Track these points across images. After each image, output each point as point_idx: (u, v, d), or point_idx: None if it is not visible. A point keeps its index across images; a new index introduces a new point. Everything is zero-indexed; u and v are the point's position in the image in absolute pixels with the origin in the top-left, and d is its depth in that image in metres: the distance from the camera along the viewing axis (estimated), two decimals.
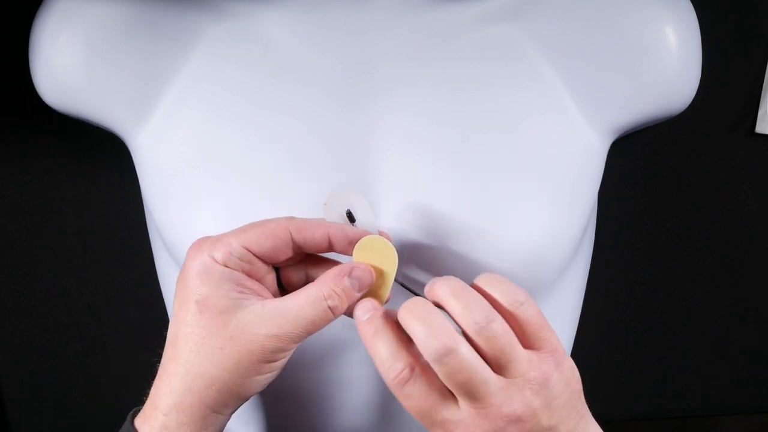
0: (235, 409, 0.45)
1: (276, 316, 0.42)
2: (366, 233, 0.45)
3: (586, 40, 0.51)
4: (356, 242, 0.45)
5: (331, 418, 0.56)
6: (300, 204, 0.50)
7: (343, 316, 0.45)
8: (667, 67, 0.52)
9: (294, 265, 0.47)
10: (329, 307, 0.43)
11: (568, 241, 0.52)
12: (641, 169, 0.79)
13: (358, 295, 0.44)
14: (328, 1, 0.52)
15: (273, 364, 0.43)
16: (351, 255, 0.45)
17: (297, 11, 0.53)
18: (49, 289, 0.81)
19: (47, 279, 0.81)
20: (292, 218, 0.45)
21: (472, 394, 0.39)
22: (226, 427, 0.45)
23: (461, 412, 0.40)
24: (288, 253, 0.44)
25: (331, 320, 0.43)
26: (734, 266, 0.83)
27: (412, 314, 0.41)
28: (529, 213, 0.50)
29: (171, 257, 0.55)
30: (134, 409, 0.45)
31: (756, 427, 0.90)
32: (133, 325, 0.83)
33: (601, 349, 0.86)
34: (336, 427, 0.57)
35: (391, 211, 0.50)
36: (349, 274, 0.44)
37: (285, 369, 0.45)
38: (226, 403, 0.43)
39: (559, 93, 0.52)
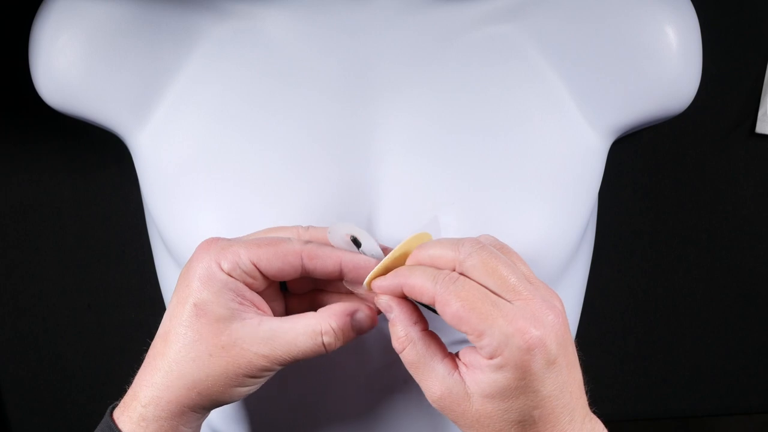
0: (212, 410, 0.45)
1: (269, 338, 0.42)
2: (376, 262, 0.44)
3: (586, 40, 0.51)
4: (365, 273, 0.44)
5: (320, 419, 0.56)
6: (300, 205, 0.50)
7: None
8: (668, 68, 0.52)
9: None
10: (323, 344, 0.43)
11: (569, 241, 0.52)
12: (641, 169, 0.79)
13: (354, 336, 0.44)
14: (329, 1, 0.52)
15: (257, 379, 0.44)
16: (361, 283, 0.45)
17: (298, 12, 0.53)
18: (49, 289, 0.81)
19: (47, 279, 0.81)
20: (307, 243, 0.44)
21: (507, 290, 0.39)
22: (213, 427, 0.45)
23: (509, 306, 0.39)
24: (295, 276, 0.44)
25: (323, 353, 0.43)
26: (734, 266, 0.83)
27: (406, 272, 0.42)
28: (530, 213, 0.50)
29: (171, 257, 0.55)
30: (112, 404, 0.45)
31: (756, 427, 0.90)
32: (133, 325, 0.83)
33: (601, 349, 0.86)
34: (324, 427, 0.57)
35: (392, 211, 0.50)
36: (352, 316, 0.44)
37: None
38: (204, 406, 0.44)
39: (559, 93, 0.52)
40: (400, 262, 0.43)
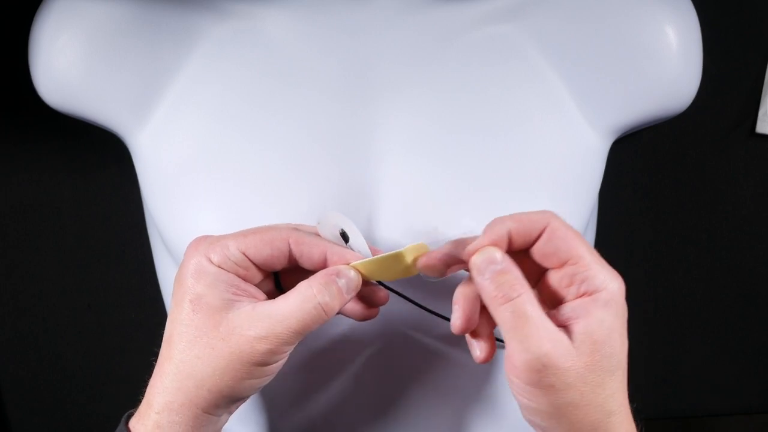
0: (230, 412, 0.45)
1: (266, 317, 0.42)
2: (362, 258, 0.44)
3: (586, 40, 0.52)
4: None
5: (331, 419, 0.56)
6: (301, 205, 0.50)
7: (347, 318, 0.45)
8: (668, 68, 0.52)
9: (294, 269, 0.47)
10: (320, 305, 0.42)
11: None
12: (641, 169, 0.79)
13: (348, 297, 0.43)
14: (329, 1, 0.52)
15: (266, 368, 0.43)
16: None
17: (298, 12, 0.53)
18: (49, 289, 0.81)
19: (47, 279, 0.81)
20: (294, 229, 0.44)
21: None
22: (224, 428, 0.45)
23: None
24: (284, 262, 0.44)
25: (323, 320, 0.42)
26: (734, 266, 0.83)
27: (501, 218, 0.42)
28: None
29: (171, 257, 0.55)
30: (128, 412, 0.45)
31: (756, 427, 0.90)
32: (133, 325, 0.83)
33: None
34: (336, 427, 0.57)
35: (392, 211, 0.50)
36: (338, 275, 0.43)
37: (285, 367, 0.45)
38: (217, 405, 0.43)
39: (559, 93, 0.52)
40: (387, 265, 0.43)
